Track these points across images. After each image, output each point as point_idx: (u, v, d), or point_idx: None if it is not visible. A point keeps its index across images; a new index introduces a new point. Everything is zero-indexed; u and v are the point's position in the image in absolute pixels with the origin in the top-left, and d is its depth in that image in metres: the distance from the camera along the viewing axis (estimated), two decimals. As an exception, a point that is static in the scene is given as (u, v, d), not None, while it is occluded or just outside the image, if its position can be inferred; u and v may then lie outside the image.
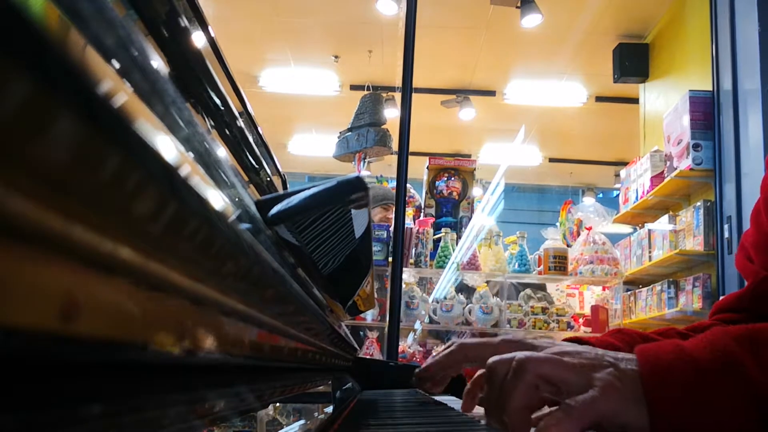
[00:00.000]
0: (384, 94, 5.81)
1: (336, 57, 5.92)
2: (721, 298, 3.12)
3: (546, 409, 0.60)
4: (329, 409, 0.88)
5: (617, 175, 6.28)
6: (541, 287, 4.09)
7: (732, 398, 0.51)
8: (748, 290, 0.81)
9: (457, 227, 4.07)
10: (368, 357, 3.31)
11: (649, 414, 0.52)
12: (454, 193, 4.15)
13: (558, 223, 4.34)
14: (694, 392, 0.52)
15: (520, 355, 0.56)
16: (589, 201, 7.86)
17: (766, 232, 0.81)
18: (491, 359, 0.59)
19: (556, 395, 0.55)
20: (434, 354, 0.83)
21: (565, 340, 0.72)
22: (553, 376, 0.55)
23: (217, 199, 0.22)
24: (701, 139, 3.46)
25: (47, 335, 0.13)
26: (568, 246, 4.04)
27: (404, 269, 3.50)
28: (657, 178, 3.85)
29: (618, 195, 4.57)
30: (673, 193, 3.83)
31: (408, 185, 2.22)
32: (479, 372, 0.78)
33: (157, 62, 0.23)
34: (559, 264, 3.80)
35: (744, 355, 0.52)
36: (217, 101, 0.53)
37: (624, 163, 4.62)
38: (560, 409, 0.52)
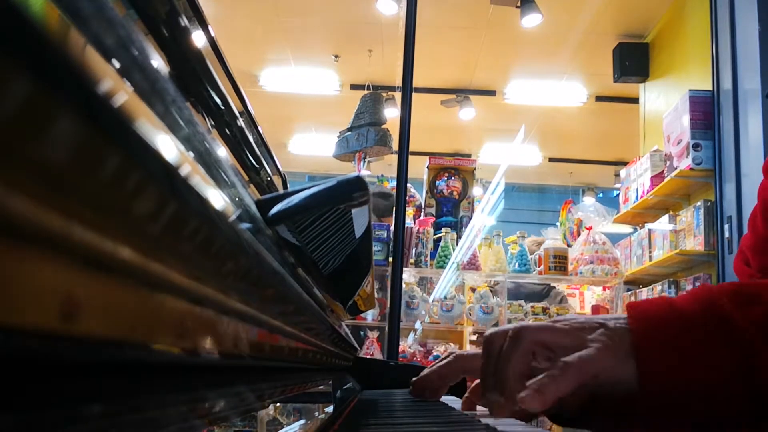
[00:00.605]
0: (384, 94, 5.81)
1: (336, 56, 5.91)
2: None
3: None
4: (329, 409, 0.88)
5: (617, 175, 6.27)
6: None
7: (718, 348, 0.52)
8: None
9: (458, 227, 4.07)
10: (369, 357, 3.31)
11: (636, 365, 0.53)
12: (455, 193, 4.15)
13: (558, 223, 4.34)
14: (681, 341, 0.53)
15: (515, 325, 0.58)
16: (589, 201, 7.86)
17: (762, 236, 0.82)
18: (488, 331, 0.62)
19: (552, 360, 0.56)
20: (432, 365, 0.83)
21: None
22: (549, 341, 0.56)
23: (217, 199, 0.22)
24: (701, 138, 3.46)
25: (47, 335, 0.13)
26: (569, 246, 4.04)
27: (404, 269, 3.50)
28: (657, 177, 3.84)
29: (618, 195, 4.57)
30: (673, 192, 3.83)
31: (408, 185, 2.22)
32: (477, 381, 0.78)
33: (157, 62, 0.23)
34: (559, 264, 3.80)
35: (731, 307, 0.53)
36: (218, 101, 0.52)
37: (624, 163, 4.62)
38: (556, 366, 0.53)
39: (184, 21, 0.46)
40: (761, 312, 0.52)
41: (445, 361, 0.79)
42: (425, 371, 0.82)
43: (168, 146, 0.17)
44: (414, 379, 0.83)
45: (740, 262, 0.87)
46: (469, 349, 3.70)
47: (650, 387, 0.53)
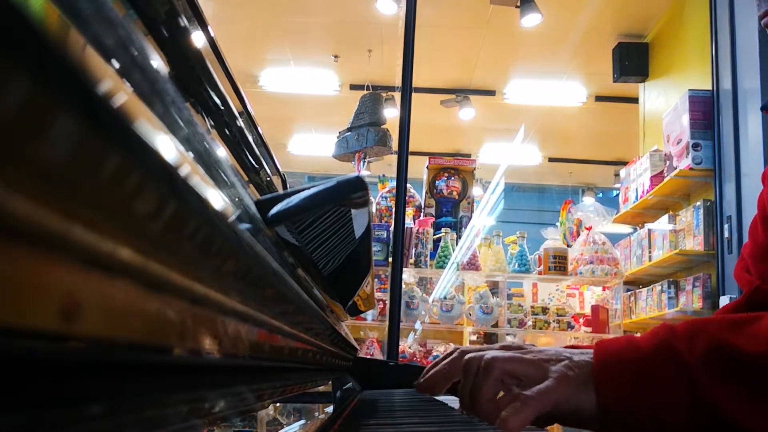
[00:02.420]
0: (384, 94, 5.81)
1: (336, 57, 5.91)
2: (721, 305, 3.12)
3: None
4: (330, 409, 0.88)
5: (617, 175, 6.27)
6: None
7: (666, 378, 0.59)
8: (742, 300, 0.83)
9: (457, 227, 4.07)
10: (368, 357, 3.31)
11: (596, 394, 0.61)
12: (454, 193, 4.15)
13: (558, 223, 4.34)
14: (634, 369, 0.61)
15: (488, 354, 0.66)
16: (588, 201, 7.85)
17: (762, 244, 0.85)
18: (467, 356, 0.70)
19: (519, 387, 0.64)
20: (435, 360, 0.84)
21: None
22: (515, 371, 0.64)
23: (216, 199, 0.22)
24: (701, 138, 3.46)
25: (47, 335, 0.13)
26: (568, 246, 4.04)
27: (404, 269, 3.50)
28: (657, 177, 3.84)
29: (618, 195, 4.57)
30: (673, 192, 3.83)
31: (408, 185, 2.22)
32: None
33: (157, 62, 0.23)
34: (559, 264, 3.80)
35: (679, 342, 0.61)
36: (217, 101, 0.52)
37: (624, 163, 4.62)
38: (519, 399, 0.61)
39: (183, 21, 0.46)
40: (702, 345, 0.59)
41: (449, 358, 0.80)
42: (431, 371, 0.83)
43: (167, 147, 0.17)
44: (420, 382, 0.83)
45: (741, 269, 0.89)
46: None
47: (607, 412, 0.61)
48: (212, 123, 0.51)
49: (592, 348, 0.65)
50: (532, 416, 0.60)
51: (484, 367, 0.65)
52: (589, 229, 3.98)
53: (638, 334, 0.72)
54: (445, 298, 3.77)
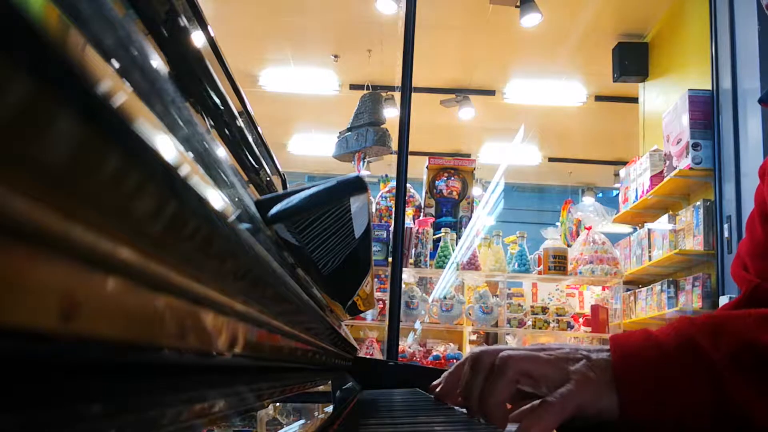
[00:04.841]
0: (383, 94, 5.81)
1: (336, 56, 5.91)
2: (720, 305, 3.12)
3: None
4: (329, 409, 0.88)
5: (617, 175, 6.27)
6: None
7: (691, 377, 0.56)
8: (742, 299, 0.82)
9: (457, 227, 4.07)
10: (368, 357, 3.31)
11: (617, 394, 0.57)
12: (454, 193, 4.15)
13: (558, 223, 4.34)
14: (657, 372, 0.57)
15: (503, 352, 0.62)
16: (588, 201, 7.85)
17: (760, 241, 0.82)
18: (477, 349, 0.66)
19: (535, 388, 0.60)
20: (456, 365, 0.84)
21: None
22: (533, 372, 0.59)
23: (216, 199, 0.22)
24: (701, 138, 3.46)
25: (47, 335, 0.13)
26: (568, 246, 4.04)
27: (404, 269, 3.50)
28: (656, 177, 3.85)
29: (618, 194, 4.58)
30: (673, 192, 3.84)
31: (408, 185, 2.21)
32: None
33: (157, 62, 0.23)
34: (558, 264, 3.80)
35: (703, 338, 0.57)
36: (217, 101, 0.52)
37: (623, 163, 4.63)
38: (540, 406, 0.56)
39: (183, 21, 0.46)
40: (729, 343, 0.56)
41: (466, 366, 0.80)
42: (444, 377, 0.82)
43: (167, 146, 0.17)
44: (437, 391, 0.83)
45: (738, 267, 0.86)
46: (470, 349, 3.71)
47: (630, 414, 0.57)
48: (212, 123, 0.51)
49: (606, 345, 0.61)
50: (556, 424, 0.56)
51: (499, 365, 0.60)
52: (589, 228, 3.99)
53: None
54: (444, 297, 3.77)
